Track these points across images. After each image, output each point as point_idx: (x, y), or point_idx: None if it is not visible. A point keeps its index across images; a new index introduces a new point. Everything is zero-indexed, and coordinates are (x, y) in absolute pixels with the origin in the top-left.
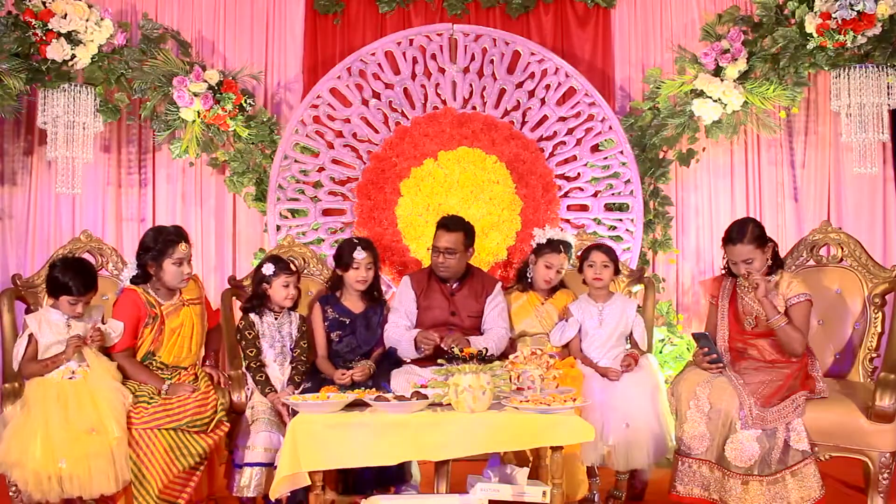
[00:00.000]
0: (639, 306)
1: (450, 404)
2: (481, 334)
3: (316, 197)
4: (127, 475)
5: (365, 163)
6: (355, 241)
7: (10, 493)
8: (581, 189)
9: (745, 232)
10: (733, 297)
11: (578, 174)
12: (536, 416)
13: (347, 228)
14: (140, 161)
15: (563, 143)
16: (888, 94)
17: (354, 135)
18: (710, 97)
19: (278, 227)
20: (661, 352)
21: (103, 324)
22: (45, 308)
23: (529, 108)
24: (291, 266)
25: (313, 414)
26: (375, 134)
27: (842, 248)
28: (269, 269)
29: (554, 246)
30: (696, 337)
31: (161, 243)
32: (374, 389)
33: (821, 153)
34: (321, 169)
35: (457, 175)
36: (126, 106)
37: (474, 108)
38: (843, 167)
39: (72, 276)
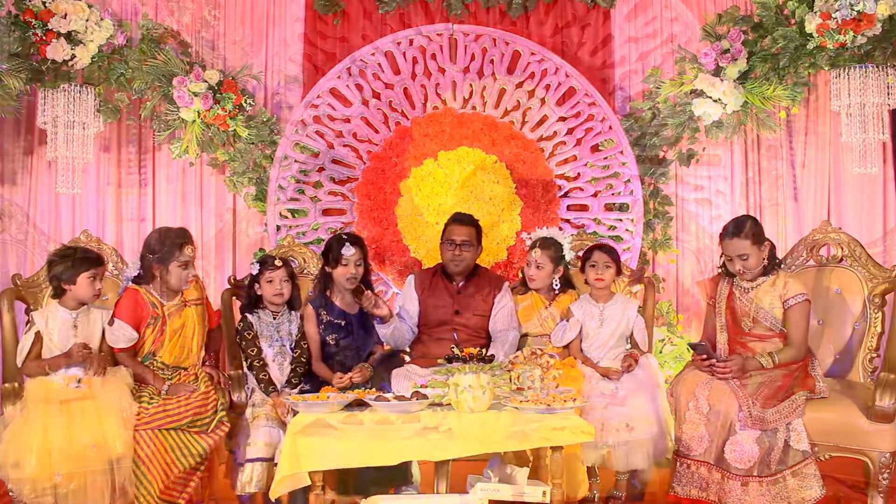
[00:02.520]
0: (639, 306)
1: (450, 404)
2: (488, 334)
3: (316, 197)
4: (129, 493)
5: (365, 163)
6: (343, 236)
7: (10, 494)
8: (581, 189)
9: (742, 227)
10: (730, 297)
11: (578, 174)
12: (536, 416)
13: (347, 228)
14: (140, 161)
15: (563, 143)
16: (888, 94)
17: (354, 135)
18: (711, 97)
19: (278, 228)
20: (660, 352)
21: (110, 325)
22: (52, 304)
23: (529, 108)
24: (276, 262)
25: (313, 414)
26: (375, 134)
27: (842, 248)
28: (254, 268)
29: (532, 243)
30: (693, 346)
31: (167, 246)
32: (373, 389)
33: (821, 153)
34: (321, 169)
35: (457, 175)
36: (126, 106)
37: (474, 108)
38: (842, 167)
39: (80, 255)
